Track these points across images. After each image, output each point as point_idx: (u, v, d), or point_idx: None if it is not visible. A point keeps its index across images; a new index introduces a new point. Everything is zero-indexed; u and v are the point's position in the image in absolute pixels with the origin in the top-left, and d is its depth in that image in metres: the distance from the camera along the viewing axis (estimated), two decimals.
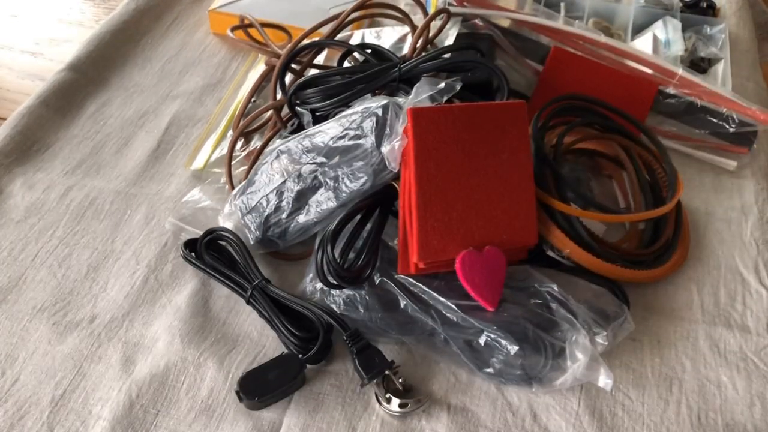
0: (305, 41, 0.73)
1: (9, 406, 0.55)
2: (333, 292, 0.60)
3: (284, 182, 0.62)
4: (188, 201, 0.70)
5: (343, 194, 0.58)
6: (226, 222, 0.66)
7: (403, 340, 0.58)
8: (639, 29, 0.88)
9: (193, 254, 0.64)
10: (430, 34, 0.72)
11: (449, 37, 0.79)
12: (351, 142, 0.57)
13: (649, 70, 0.78)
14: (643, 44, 0.84)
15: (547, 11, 0.84)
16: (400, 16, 0.77)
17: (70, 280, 0.64)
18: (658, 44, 0.84)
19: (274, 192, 0.62)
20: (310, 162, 0.60)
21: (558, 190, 0.62)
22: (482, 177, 0.56)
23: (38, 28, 1.81)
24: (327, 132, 0.59)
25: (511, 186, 0.57)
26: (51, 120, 0.80)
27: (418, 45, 0.70)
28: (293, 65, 0.73)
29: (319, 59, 0.82)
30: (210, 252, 0.64)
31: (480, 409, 0.55)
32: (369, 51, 0.69)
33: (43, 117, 0.80)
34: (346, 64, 0.73)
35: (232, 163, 0.73)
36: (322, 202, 0.60)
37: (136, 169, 0.75)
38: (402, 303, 0.58)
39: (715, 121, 0.76)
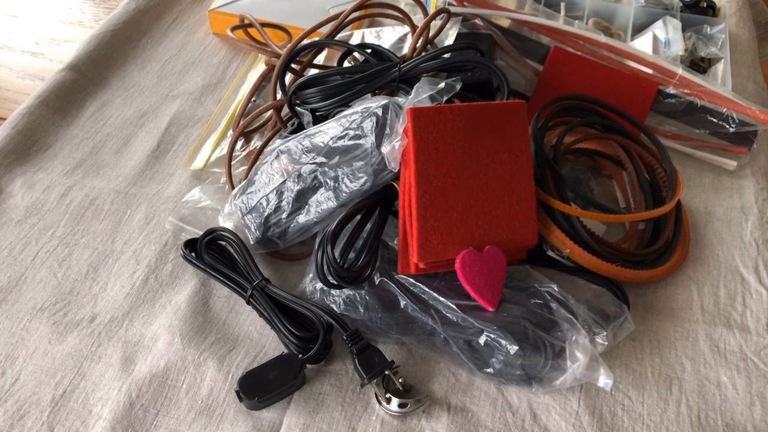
0: (305, 41, 0.73)
1: (9, 406, 0.55)
2: (333, 292, 0.60)
3: (284, 182, 0.62)
4: (188, 201, 0.70)
5: (343, 194, 0.58)
6: (226, 222, 0.66)
7: (403, 340, 0.58)
8: (639, 29, 0.88)
9: (193, 254, 0.64)
10: (430, 34, 0.72)
11: (449, 37, 0.79)
12: (351, 142, 0.57)
13: (649, 70, 0.78)
14: (643, 44, 0.84)
15: (547, 11, 0.84)
16: (400, 16, 0.77)
17: (70, 280, 0.64)
18: (658, 44, 0.84)
19: (274, 192, 0.62)
20: (310, 162, 0.60)
21: (558, 190, 0.62)
22: (482, 177, 0.56)
23: (38, 28, 1.81)
24: (327, 132, 0.59)
25: (511, 186, 0.57)
26: (51, 120, 0.80)
27: (418, 45, 0.70)
28: (293, 65, 0.73)
29: (319, 59, 0.82)
30: (210, 252, 0.64)
31: (480, 409, 0.55)
32: (369, 51, 0.69)
33: (43, 117, 0.80)
34: (346, 64, 0.73)
35: (232, 163, 0.73)
36: (322, 202, 0.60)
37: (136, 169, 0.75)
38: (402, 303, 0.58)
39: (715, 121, 0.76)
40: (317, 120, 0.65)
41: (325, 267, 0.56)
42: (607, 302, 0.58)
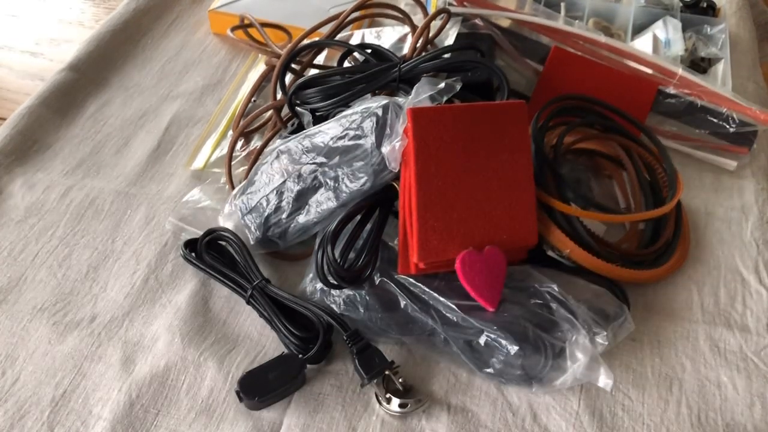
0: (305, 41, 0.73)
1: (9, 406, 0.55)
2: (333, 292, 0.60)
3: (284, 182, 0.62)
4: (188, 201, 0.70)
5: (343, 194, 0.58)
6: (226, 222, 0.66)
7: (403, 340, 0.59)
8: (639, 29, 0.88)
9: (193, 254, 0.64)
10: (430, 34, 0.72)
11: (449, 37, 0.79)
12: (351, 142, 0.57)
13: (649, 70, 0.78)
14: (643, 44, 0.84)
15: (547, 11, 0.84)
16: (400, 16, 0.77)
17: (70, 280, 0.64)
18: (658, 44, 0.84)
19: (274, 192, 0.62)
20: (310, 162, 0.60)
21: (558, 190, 0.62)
22: (482, 177, 0.57)
23: (38, 28, 1.81)
24: (327, 132, 0.59)
25: (511, 186, 0.57)
26: (51, 120, 0.80)
27: (418, 45, 0.70)
28: (293, 65, 0.73)
29: (319, 59, 0.82)
30: (210, 252, 0.64)
31: (480, 409, 0.55)
32: (369, 51, 0.69)
33: (44, 117, 0.80)
34: (346, 64, 0.73)
35: (232, 163, 0.73)
36: (322, 202, 0.60)
37: (136, 169, 0.75)
38: (402, 303, 0.58)
39: (715, 121, 0.76)
40: (317, 120, 0.65)
41: (326, 267, 0.56)
42: (607, 302, 0.58)
